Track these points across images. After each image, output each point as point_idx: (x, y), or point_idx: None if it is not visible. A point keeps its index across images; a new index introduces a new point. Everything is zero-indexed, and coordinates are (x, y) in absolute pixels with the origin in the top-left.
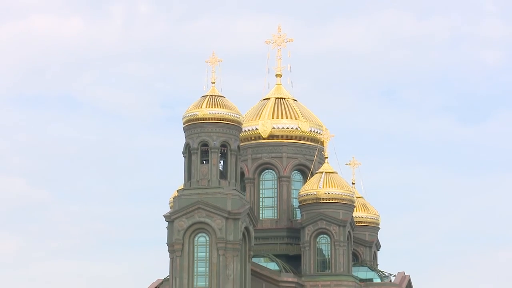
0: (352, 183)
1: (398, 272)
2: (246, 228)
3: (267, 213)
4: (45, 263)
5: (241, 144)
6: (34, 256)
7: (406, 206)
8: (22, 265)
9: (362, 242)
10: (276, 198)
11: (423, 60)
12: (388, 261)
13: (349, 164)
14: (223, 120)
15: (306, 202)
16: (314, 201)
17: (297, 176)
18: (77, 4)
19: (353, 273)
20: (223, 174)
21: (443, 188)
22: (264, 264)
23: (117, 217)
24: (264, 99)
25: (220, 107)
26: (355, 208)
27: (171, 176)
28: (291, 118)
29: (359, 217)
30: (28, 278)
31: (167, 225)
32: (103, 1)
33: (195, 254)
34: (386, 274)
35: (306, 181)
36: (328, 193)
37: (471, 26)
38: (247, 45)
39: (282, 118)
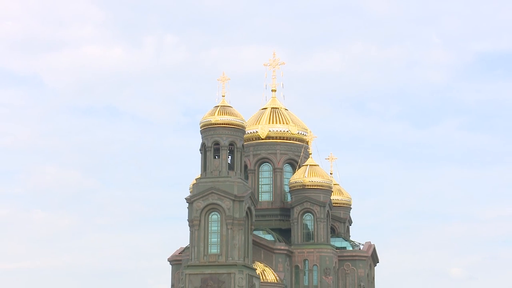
0: (330, 173)
1: (366, 242)
2: (249, 208)
3: (265, 196)
4: (93, 235)
5: (244, 143)
6: (85, 230)
7: (372, 191)
8: (75, 237)
9: (338, 219)
10: (271, 185)
11: (385, 79)
12: (358, 233)
13: (328, 158)
14: (231, 125)
15: (294, 188)
16: (301, 187)
17: (288, 168)
18: (118, 36)
19: (331, 243)
20: (231, 166)
21: (401, 177)
22: (263, 236)
23: (149, 200)
24: (262, 109)
25: (229, 115)
26: (332, 193)
27: (191, 168)
28: (284, 123)
29: (335, 199)
30: (80, 247)
31: (187, 206)
32: (138, 34)
33: (209, 228)
34: (357, 243)
35: (294, 172)
36: (312, 181)
37: (421, 53)
38: (249, 67)
39: (276, 123)
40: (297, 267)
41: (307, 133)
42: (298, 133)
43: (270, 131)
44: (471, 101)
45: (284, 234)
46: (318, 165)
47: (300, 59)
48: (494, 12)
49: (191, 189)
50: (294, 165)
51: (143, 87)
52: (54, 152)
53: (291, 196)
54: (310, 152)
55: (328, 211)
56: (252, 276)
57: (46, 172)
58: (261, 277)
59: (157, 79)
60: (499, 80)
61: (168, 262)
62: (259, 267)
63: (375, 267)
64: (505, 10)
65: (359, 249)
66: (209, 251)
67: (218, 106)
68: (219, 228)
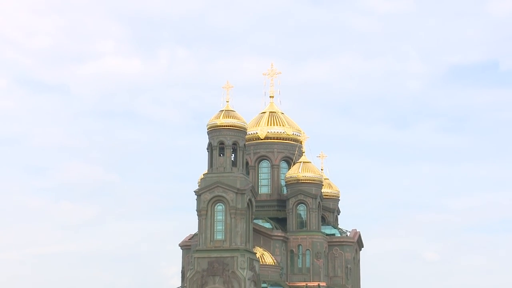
0: (321, 169)
1: (352, 229)
2: (250, 200)
3: (264, 189)
4: (114, 223)
5: (246, 143)
6: (107, 219)
7: (358, 185)
8: (99, 225)
9: (328, 209)
10: (269, 179)
11: (368, 87)
12: (345, 222)
13: (319, 156)
14: (234, 127)
15: (290, 182)
16: (295, 181)
17: (284, 164)
18: (136, 50)
19: (322, 230)
20: (234, 163)
21: (383, 172)
22: (262, 224)
23: (163, 192)
24: (262, 113)
25: (232, 118)
26: (323, 186)
27: (199, 164)
28: (280, 125)
29: (325, 192)
30: (102, 234)
31: (196, 198)
32: (153, 48)
33: (215, 217)
34: (344, 230)
35: (290, 168)
36: (305, 176)
37: (400, 64)
38: (250, 76)
39: (274, 125)
40: (292, 251)
41: (301, 134)
42: (293, 134)
43: (268, 132)
44: (444, 106)
45: (281, 222)
46: (310, 162)
47: (295, 69)
48: (463, 29)
49: (199, 183)
50: (290, 162)
51: (157, 94)
52: (80, 150)
53: (286, 189)
54: (303, 151)
55: (319, 202)
56: (253, 259)
57: (73, 168)
58: (260, 260)
59: (170, 87)
60: (468, 87)
61: (179, 247)
62: (258, 251)
63: (360, 251)
64: (472, 28)
65: (346, 235)
66: (215, 237)
67: (223, 110)
68: (223, 217)
